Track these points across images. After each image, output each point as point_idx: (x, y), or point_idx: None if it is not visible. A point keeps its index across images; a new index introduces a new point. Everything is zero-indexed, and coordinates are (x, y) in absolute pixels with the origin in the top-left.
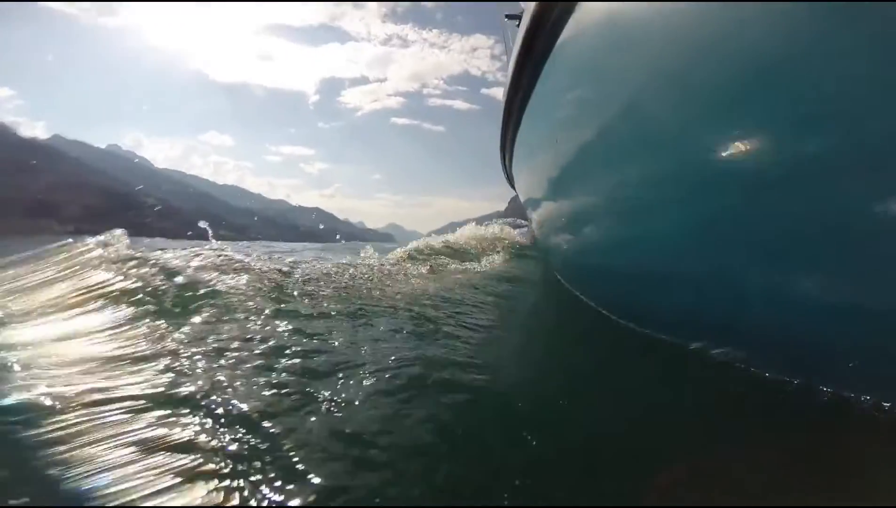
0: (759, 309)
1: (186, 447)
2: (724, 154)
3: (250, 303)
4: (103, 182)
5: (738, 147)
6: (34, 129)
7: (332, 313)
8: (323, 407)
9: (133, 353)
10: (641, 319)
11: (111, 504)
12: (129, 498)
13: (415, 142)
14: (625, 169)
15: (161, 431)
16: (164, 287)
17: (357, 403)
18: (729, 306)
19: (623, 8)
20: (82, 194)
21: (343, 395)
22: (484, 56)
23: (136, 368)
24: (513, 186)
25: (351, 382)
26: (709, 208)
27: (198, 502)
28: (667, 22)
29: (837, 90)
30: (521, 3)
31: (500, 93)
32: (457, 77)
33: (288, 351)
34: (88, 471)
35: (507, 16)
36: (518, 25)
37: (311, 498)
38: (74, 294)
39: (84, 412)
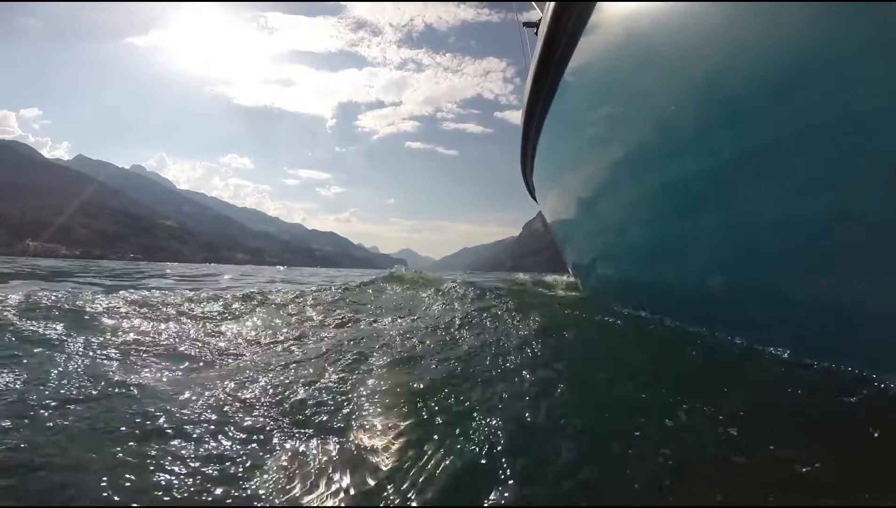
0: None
1: None
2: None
3: None
4: (121, 204)
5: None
6: (58, 149)
7: None
8: None
9: None
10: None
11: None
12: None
13: (429, 166)
14: (664, 180)
15: None
16: None
17: None
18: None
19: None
20: (96, 217)
21: None
22: (496, 79)
23: None
24: (533, 197)
25: None
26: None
27: None
28: (693, 18)
29: (875, 93)
30: (535, 5)
31: (513, 116)
32: (470, 100)
33: None
34: None
35: (524, 23)
36: (536, 33)
37: None
38: None
39: None
